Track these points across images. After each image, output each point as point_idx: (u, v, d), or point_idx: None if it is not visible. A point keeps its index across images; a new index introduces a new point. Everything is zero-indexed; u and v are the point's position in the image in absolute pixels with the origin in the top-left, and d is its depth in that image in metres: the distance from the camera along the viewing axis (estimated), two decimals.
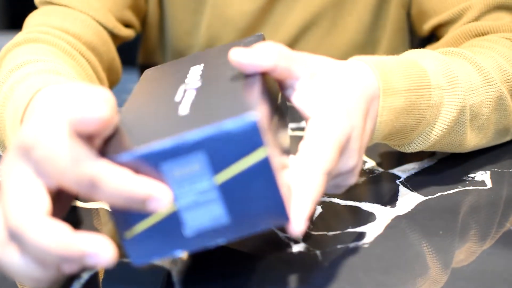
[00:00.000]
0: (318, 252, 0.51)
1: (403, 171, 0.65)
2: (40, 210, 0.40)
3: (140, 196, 0.39)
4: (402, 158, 0.68)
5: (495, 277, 0.48)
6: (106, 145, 0.42)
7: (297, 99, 0.50)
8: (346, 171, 0.50)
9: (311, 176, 0.45)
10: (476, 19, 0.75)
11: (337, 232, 0.54)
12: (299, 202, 0.43)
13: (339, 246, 0.52)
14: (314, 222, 0.55)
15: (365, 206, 0.58)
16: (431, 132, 0.59)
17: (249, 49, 0.48)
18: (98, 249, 0.39)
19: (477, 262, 0.50)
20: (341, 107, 0.49)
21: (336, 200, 0.59)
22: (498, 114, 0.64)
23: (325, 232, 0.54)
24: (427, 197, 0.60)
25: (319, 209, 0.57)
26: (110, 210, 0.41)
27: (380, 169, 0.65)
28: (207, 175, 0.40)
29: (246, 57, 0.48)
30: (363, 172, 0.64)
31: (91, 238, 0.39)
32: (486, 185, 0.62)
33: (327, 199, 0.59)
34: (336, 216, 0.56)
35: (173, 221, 0.41)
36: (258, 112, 0.40)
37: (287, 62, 0.49)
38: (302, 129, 0.76)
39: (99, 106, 0.39)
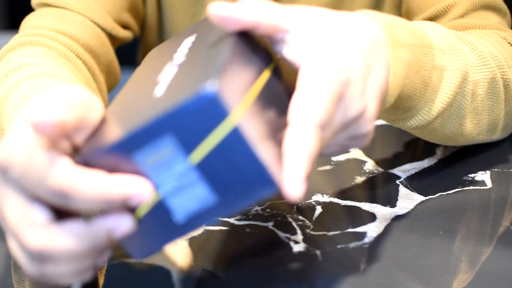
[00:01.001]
0: (318, 252, 0.51)
1: (403, 171, 0.65)
2: (44, 217, 0.40)
3: (118, 196, 0.38)
4: (402, 158, 0.68)
5: (495, 277, 0.48)
6: (87, 143, 0.41)
7: (289, 50, 0.46)
8: (354, 118, 0.46)
9: (302, 131, 0.40)
10: (462, 16, 0.74)
11: (337, 232, 0.54)
12: (291, 162, 0.39)
13: (339, 246, 0.52)
14: (314, 222, 0.55)
15: (365, 206, 0.58)
16: (435, 100, 0.56)
17: (230, 3, 0.45)
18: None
19: (477, 262, 0.50)
20: (334, 50, 0.45)
21: (336, 200, 0.59)
22: (491, 100, 0.62)
23: (325, 232, 0.54)
24: (427, 197, 0.60)
25: (319, 209, 0.57)
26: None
27: (380, 169, 0.65)
28: (181, 157, 0.38)
29: (225, 10, 0.44)
30: (363, 172, 0.64)
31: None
32: (486, 185, 0.62)
33: (327, 199, 0.59)
34: (336, 216, 0.56)
35: (161, 210, 0.40)
36: (217, 81, 0.37)
37: (273, 18, 0.45)
38: None
39: (55, 109, 0.39)
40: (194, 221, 0.40)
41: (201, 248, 0.52)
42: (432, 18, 0.77)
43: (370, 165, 0.66)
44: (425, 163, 0.66)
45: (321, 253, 0.51)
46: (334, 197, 0.60)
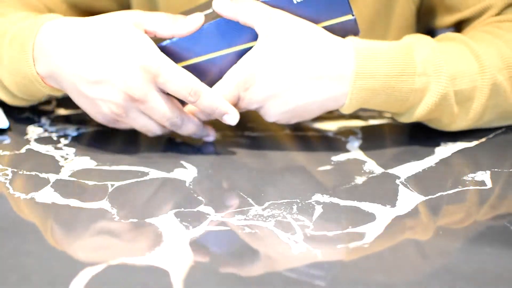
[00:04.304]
0: (318, 252, 0.51)
1: (403, 171, 0.65)
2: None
3: (224, 111, 0.65)
4: (402, 158, 0.68)
5: (495, 277, 0.48)
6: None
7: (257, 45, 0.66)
8: (254, 108, 0.67)
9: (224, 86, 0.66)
10: (497, 14, 0.76)
11: (337, 232, 0.54)
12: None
13: (339, 246, 0.52)
14: (314, 222, 0.55)
15: (365, 206, 0.58)
16: (416, 110, 0.67)
17: None
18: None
19: (477, 262, 0.50)
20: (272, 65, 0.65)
21: (336, 200, 0.59)
22: (495, 99, 0.68)
23: (325, 232, 0.54)
24: (427, 197, 0.60)
25: (319, 209, 0.57)
26: None
27: (380, 169, 0.65)
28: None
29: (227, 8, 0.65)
30: (363, 172, 0.64)
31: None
32: (486, 185, 0.62)
33: (327, 199, 0.59)
34: (336, 216, 0.56)
35: None
36: None
37: (251, 20, 0.65)
38: (301, 129, 0.76)
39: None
40: None
41: (201, 249, 0.52)
42: (469, 19, 0.79)
43: (370, 165, 0.66)
44: (425, 163, 0.66)
45: (321, 253, 0.51)
46: (334, 197, 0.60)
